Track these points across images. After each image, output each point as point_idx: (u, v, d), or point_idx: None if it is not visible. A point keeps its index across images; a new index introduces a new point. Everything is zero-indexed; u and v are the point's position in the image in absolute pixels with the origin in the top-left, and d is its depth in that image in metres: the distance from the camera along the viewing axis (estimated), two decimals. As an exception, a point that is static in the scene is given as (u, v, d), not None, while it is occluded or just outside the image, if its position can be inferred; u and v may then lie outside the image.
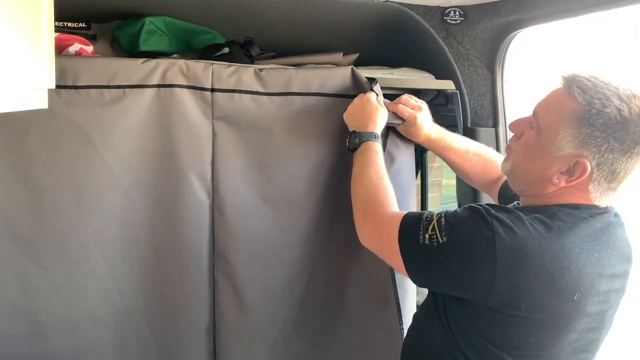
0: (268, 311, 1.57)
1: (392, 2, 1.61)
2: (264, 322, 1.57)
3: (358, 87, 1.56)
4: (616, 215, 1.11)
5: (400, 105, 1.46)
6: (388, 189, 1.26)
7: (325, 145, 1.56)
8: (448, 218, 1.03)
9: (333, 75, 1.57)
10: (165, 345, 1.54)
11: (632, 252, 1.11)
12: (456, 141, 1.48)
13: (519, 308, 0.98)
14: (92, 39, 1.65)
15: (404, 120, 1.45)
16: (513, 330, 1.02)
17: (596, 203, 1.05)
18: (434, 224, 1.03)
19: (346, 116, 1.44)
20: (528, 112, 1.12)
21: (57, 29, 1.59)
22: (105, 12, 1.65)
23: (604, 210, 1.07)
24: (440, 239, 1.01)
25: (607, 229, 1.06)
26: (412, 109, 1.45)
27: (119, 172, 1.48)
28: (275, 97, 1.53)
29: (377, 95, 1.44)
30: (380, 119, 1.38)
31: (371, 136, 1.35)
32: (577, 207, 1.05)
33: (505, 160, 1.16)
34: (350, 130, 1.40)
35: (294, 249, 1.58)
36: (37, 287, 1.47)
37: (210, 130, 1.51)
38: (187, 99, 1.49)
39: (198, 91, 1.50)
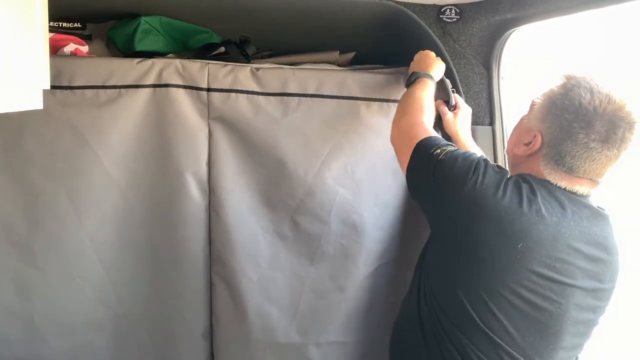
0: (265, 314, 1.56)
1: (388, 0, 1.60)
2: (261, 326, 1.56)
3: (357, 89, 1.55)
4: (600, 208, 1.16)
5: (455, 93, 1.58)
6: (431, 107, 1.40)
7: (322, 146, 1.55)
8: (457, 151, 1.17)
9: (330, 77, 1.56)
10: (162, 349, 1.54)
11: (610, 244, 1.14)
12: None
13: (467, 241, 1.09)
14: (87, 39, 1.65)
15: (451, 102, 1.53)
16: (460, 266, 1.11)
17: (548, 178, 1.13)
18: (447, 149, 1.17)
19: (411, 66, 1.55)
20: (525, 111, 1.25)
21: (52, 30, 1.59)
22: (100, 12, 1.64)
23: (579, 196, 1.13)
24: (440, 156, 1.15)
25: (577, 207, 1.11)
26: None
27: (115, 173, 1.47)
28: (271, 98, 1.53)
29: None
30: (437, 67, 1.50)
31: (426, 75, 1.46)
32: (544, 180, 1.13)
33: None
34: (409, 72, 1.51)
35: (292, 250, 1.57)
36: (33, 289, 1.47)
37: (207, 131, 1.51)
38: (182, 99, 1.48)
39: (194, 91, 1.49)
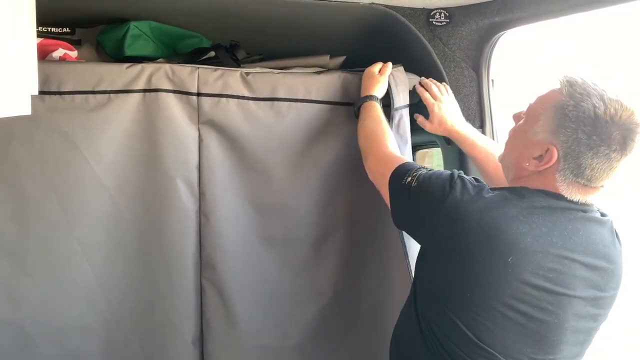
0: (257, 319, 1.56)
1: (377, 4, 1.61)
2: (253, 331, 1.56)
3: (346, 93, 1.55)
4: (602, 213, 1.14)
5: (421, 88, 1.58)
6: (386, 131, 1.42)
7: (312, 151, 1.55)
8: (429, 172, 1.17)
9: (318, 81, 1.56)
10: (152, 354, 1.53)
11: (611, 252, 1.12)
12: (481, 140, 1.53)
13: (455, 259, 1.07)
14: (76, 44, 1.64)
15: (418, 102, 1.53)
16: (451, 287, 1.09)
17: (563, 193, 1.09)
18: (418, 173, 1.18)
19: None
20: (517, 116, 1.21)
21: (41, 35, 1.58)
22: (89, 17, 1.64)
23: (577, 204, 1.10)
24: (413, 182, 1.17)
25: (574, 217, 1.09)
26: (432, 96, 1.55)
27: (104, 178, 1.46)
28: (261, 102, 1.53)
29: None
30: (378, 86, 1.51)
31: (366, 99, 1.49)
32: (545, 192, 1.10)
33: (500, 155, 1.25)
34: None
35: (283, 255, 1.57)
36: (23, 295, 1.46)
37: (197, 135, 1.50)
38: (172, 104, 1.48)
39: (184, 96, 1.49)
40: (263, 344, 1.57)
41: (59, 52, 1.55)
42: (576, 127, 1.04)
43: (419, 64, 1.68)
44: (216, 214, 1.51)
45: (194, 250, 1.53)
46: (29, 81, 1.17)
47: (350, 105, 1.55)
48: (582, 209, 1.10)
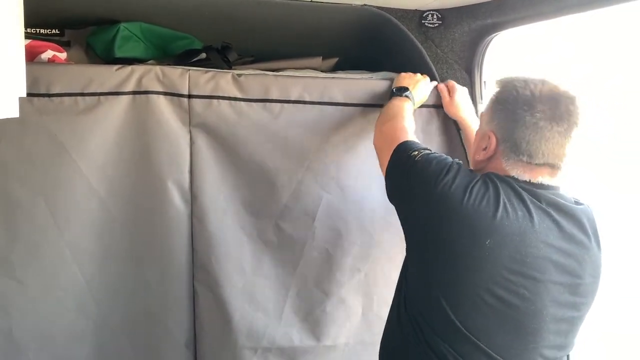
0: (250, 320, 1.55)
1: (369, 6, 1.60)
2: (247, 332, 1.55)
3: (338, 95, 1.55)
4: (577, 201, 1.18)
5: (441, 85, 1.62)
6: (411, 119, 1.43)
7: (306, 152, 1.54)
8: (434, 154, 1.20)
9: (313, 83, 1.56)
10: (144, 357, 1.51)
11: (584, 239, 1.14)
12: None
13: (438, 242, 1.11)
14: (65, 45, 1.62)
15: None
16: (436, 270, 1.12)
17: (513, 174, 1.14)
18: (425, 152, 1.21)
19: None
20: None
21: (29, 36, 1.56)
22: (79, 18, 1.62)
23: (541, 186, 1.13)
24: (417, 157, 1.19)
25: (543, 201, 1.12)
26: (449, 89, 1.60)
27: (95, 182, 1.45)
28: (254, 104, 1.52)
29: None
30: (419, 86, 1.54)
31: (410, 95, 1.50)
32: (508, 177, 1.14)
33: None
34: (395, 85, 1.55)
35: (276, 257, 1.56)
36: (11, 301, 1.43)
37: (188, 138, 1.49)
38: (163, 106, 1.46)
39: (175, 98, 1.47)
40: (256, 343, 1.56)
41: (47, 54, 1.53)
42: (503, 107, 1.15)
43: (411, 66, 1.68)
44: (208, 216, 1.50)
45: (186, 253, 1.51)
46: (17, 83, 1.15)
47: (342, 106, 1.55)
48: (551, 194, 1.13)
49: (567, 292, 1.11)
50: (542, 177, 1.13)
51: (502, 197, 1.09)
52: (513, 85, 1.14)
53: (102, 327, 1.49)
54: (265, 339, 1.57)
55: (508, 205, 1.09)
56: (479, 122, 1.37)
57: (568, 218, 1.13)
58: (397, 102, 1.46)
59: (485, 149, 1.18)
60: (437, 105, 1.61)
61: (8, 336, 1.43)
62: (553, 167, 1.12)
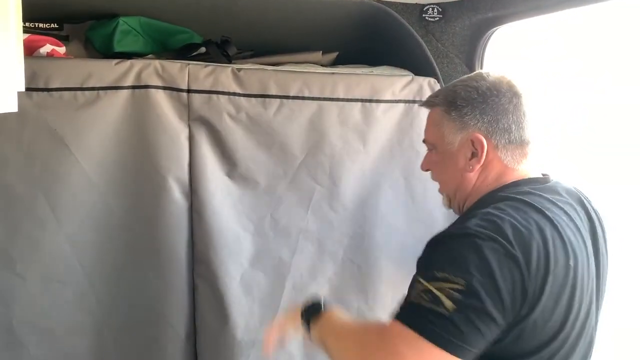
0: (249, 312, 1.56)
1: (370, 0, 1.60)
2: (245, 324, 1.56)
3: (338, 89, 1.55)
4: (568, 192, 1.12)
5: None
6: (358, 324, 1.18)
7: (302, 147, 1.55)
8: (443, 275, 0.92)
9: (312, 78, 1.55)
10: (145, 353, 1.51)
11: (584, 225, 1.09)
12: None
13: (532, 307, 0.95)
14: (64, 40, 1.62)
15: None
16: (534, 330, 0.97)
17: (512, 166, 1.09)
18: (434, 288, 0.91)
19: None
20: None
21: (28, 30, 1.55)
22: (78, 13, 1.61)
23: (544, 181, 1.10)
24: (459, 287, 0.90)
25: (557, 192, 1.08)
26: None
27: (94, 176, 1.44)
28: (253, 99, 1.52)
29: None
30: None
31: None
32: (516, 184, 1.08)
33: (443, 202, 1.22)
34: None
35: (272, 248, 1.57)
36: (11, 295, 1.43)
37: (187, 132, 1.49)
38: (162, 101, 1.46)
39: (174, 92, 1.47)
40: (255, 335, 1.56)
41: (46, 48, 1.52)
42: (471, 105, 1.07)
43: (412, 60, 1.68)
44: (208, 211, 1.50)
45: (186, 248, 1.51)
46: (16, 77, 1.14)
47: (342, 101, 1.55)
48: (553, 185, 1.10)
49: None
50: (529, 160, 1.11)
51: (543, 209, 1.00)
52: (462, 86, 1.10)
53: (102, 320, 1.49)
54: (263, 332, 1.57)
55: (559, 213, 1.01)
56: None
57: (575, 209, 1.10)
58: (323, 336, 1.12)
59: (473, 156, 1.08)
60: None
61: (8, 329, 1.43)
62: (529, 143, 1.10)
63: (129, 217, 1.48)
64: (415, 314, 0.92)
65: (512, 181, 1.10)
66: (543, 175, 1.15)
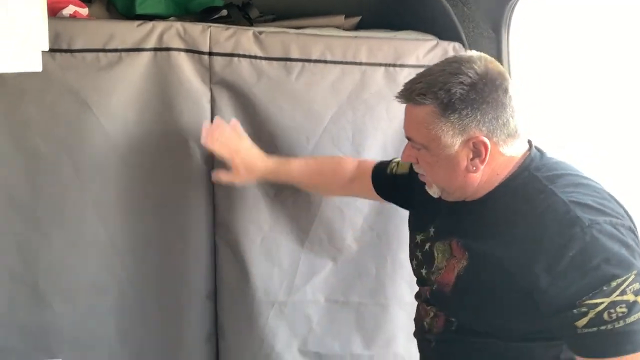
0: (268, 274, 1.57)
1: (395, -39, 1.56)
2: (264, 285, 1.57)
3: (361, 53, 1.52)
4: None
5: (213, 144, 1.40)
6: None
7: (325, 112, 1.53)
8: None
9: (334, 42, 1.53)
10: (167, 311, 1.54)
11: None
12: (295, 164, 1.46)
13: None
14: (87, 1, 1.61)
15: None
16: None
17: (519, 155, 1.06)
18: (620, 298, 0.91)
19: None
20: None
21: (51, -9, 1.55)
22: (100, -26, 1.61)
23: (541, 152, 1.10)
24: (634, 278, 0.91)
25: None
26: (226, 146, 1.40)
27: (117, 138, 1.45)
28: (274, 62, 1.50)
29: None
30: None
31: None
32: (524, 168, 1.06)
33: (428, 186, 1.15)
34: None
35: (292, 213, 1.57)
36: (37, 254, 1.46)
37: (209, 96, 1.49)
38: (184, 63, 1.45)
39: (195, 55, 1.46)
40: (273, 296, 1.58)
41: (69, 9, 1.52)
42: (470, 107, 0.99)
43: (436, 25, 1.64)
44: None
45: (207, 210, 1.52)
46: (40, 37, 1.15)
47: (365, 65, 1.53)
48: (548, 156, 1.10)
49: None
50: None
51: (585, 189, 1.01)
52: (455, 83, 0.99)
53: (124, 280, 1.52)
54: (281, 294, 1.59)
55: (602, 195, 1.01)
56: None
57: None
58: None
59: (475, 157, 1.03)
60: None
61: (34, 289, 1.46)
62: (519, 129, 1.05)
63: (151, 180, 1.49)
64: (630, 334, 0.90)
65: (524, 162, 1.07)
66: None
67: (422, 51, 1.56)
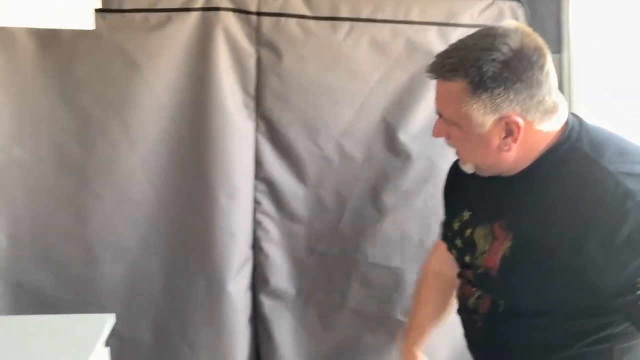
0: (310, 228, 1.58)
1: None
2: (306, 237, 1.59)
3: (412, 11, 1.48)
4: None
5: None
6: None
7: (372, 73, 1.50)
8: None
9: (386, 0, 1.49)
10: (213, 271, 1.55)
11: None
12: (419, 317, 1.38)
13: None
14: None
15: None
16: None
17: (557, 129, 1.00)
18: None
19: None
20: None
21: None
22: None
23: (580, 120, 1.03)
24: None
25: None
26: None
27: (165, 99, 1.47)
28: (322, 22, 1.48)
29: None
30: None
31: None
32: (564, 140, 1.00)
33: (462, 163, 1.10)
34: None
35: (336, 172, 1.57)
36: (88, 213, 1.50)
37: (255, 56, 1.48)
38: (231, 23, 1.45)
39: (243, 14, 1.46)
40: (315, 249, 1.60)
41: (119, -30, 1.53)
42: (504, 86, 0.93)
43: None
44: (272, 134, 1.51)
45: (250, 169, 1.53)
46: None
47: (417, 24, 1.49)
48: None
49: None
50: None
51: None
52: (487, 60, 0.93)
53: (170, 242, 1.54)
54: (323, 244, 1.60)
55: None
56: None
57: None
58: None
59: (508, 136, 0.97)
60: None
61: (86, 244, 1.51)
62: (558, 102, 0.99)
63: (196, 140, 1.50)
64: None
65: (563, 134, 1.00)
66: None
67: (476, 10, 1.51)
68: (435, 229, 1.59)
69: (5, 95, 1.42)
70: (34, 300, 1.50)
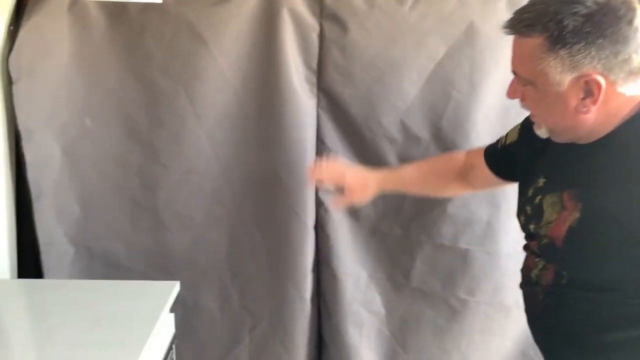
0: (372, 206, 1.56)
1: None
2: (368, 216, 1.59)
3: None
4: None
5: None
6: None
7: (439, 46, 1.46)
8: None
9: None
10: (274, 244, 1.58)
11: None
12: (405, 170, 1.43)
13: None
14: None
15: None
16: None
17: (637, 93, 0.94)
18: None
19: None
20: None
21: None
22: None
23: None
24: None
25: None
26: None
27: (229, 74, 1.49)
28: None
29: None
30: None
31: None
32: None
33: (537, 127, 1.06)
34: None
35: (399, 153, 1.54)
36: (156, 183, 1.56)
37: (318, 30, 1.47)
38: None
39: None
40: (377, 227, 1.60)
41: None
42: (584, 42, 0.88)
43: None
44: (335, 110, 1.50)
45: (312, 143, 1.54)
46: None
47: None
48: None
49: None
50: None
51: None
52: (568, 14, 0.88)
53: (234, 215, 1.58)
54: (385, 225, 1.59)
55: None
56: None
57: None
58: None
59: (587, 97, 0.92)
60: None
61: (154, 213, 1.57)
62: None
63: (260, 115, 1.52)
64: None
65: None
66: None
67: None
68: (504, 210, 1.54)
69: (77, 68, 1.48)
70: (104, 265, 1.58)
